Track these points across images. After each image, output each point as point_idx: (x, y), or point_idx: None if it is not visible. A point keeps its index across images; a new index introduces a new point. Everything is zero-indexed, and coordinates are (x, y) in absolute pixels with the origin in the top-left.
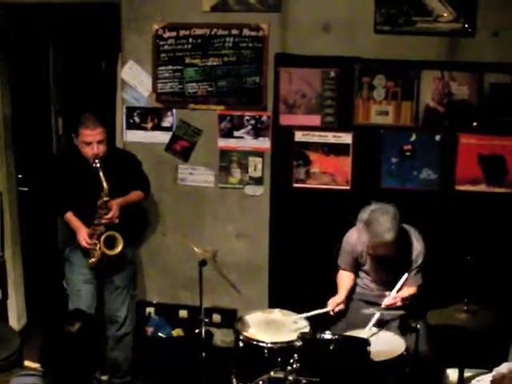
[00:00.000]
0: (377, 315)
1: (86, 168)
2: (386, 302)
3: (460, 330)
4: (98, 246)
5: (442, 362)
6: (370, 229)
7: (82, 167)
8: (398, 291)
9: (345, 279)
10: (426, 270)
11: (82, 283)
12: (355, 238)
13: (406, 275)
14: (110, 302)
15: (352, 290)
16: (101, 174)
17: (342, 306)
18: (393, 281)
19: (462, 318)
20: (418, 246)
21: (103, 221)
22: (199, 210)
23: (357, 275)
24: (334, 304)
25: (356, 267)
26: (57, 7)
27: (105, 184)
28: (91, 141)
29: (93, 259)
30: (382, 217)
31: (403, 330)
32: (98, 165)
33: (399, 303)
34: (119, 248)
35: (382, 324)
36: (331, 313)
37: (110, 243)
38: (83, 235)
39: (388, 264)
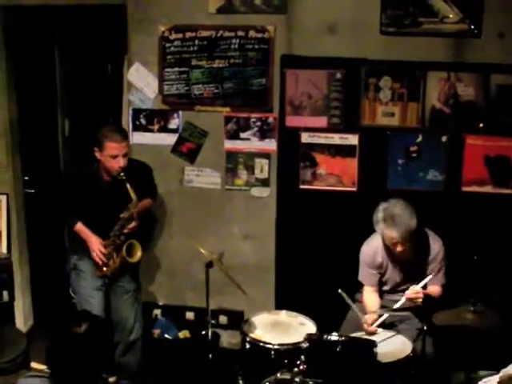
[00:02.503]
0: (385, 316)
1: (100, 183)
2: (407, 294)
3: (467, 331)
4: (115, 255)
5: (448, 363)
6: (393, 222)
7: (96, 182)
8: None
9: (372, 298)
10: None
11: (93, 290)
12: (374, 249)
13: (429, 276)
14: (119, 307)
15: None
16: (128, 186)
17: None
18: (408, 287)
19: (468, 319)
20: (435, 247)
21: (126, 231)
22: (206, 212)
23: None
24: (369, 320)
25: (379, 281)
26: (63, 9)
27: (134, 196)
28: (118, 154)
29: (105, 268)
30: (396, 208)
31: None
32: (124, 177)
33: (420, 299)
34: (139, 254)
35: (388, 325)
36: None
37: (128, 251)
38: (98, 246)
39: (407, 269)
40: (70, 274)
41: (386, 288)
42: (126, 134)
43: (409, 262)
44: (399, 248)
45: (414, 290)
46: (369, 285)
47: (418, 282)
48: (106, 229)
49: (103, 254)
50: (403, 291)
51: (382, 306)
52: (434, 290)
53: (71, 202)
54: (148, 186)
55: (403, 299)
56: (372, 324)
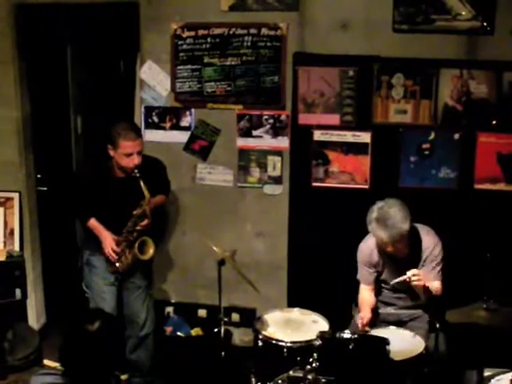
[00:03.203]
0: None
1: (113, 179)
2: (409, 273)
3: (479, 329)
4: (128, 252)
5: (461, 361)
6: (384, 224)
7: (109, 178)
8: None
9: (367, 297)
10: (446, 268)
11: (106, 286)
12: (371, 247)
13: (433, 264)
14: (131, 303)
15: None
16: (142, 183)
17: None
18: (410, 286)
19: (481, 317)
20: (429, 241)
21: (138, 227)
22: (218, 210)
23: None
24: (364, 320)
25: (376, 279)
26: (75, 7)
27: (147, 193)
28: (132, 152)
29: (117, 264)
30: (391, 209)
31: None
32: (138, 174)
33: (421, 282)
34: (151, 252)
35: (401, 323)
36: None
37: (141, 248)
38: (110, 243)
39: (404, 267)
40: (82, 269)
41: (386, 286)
42: (139, 131)
43: (405, 260)
44: (389, 249)
45: (415, 272)
46: (365, 283)
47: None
48: (119, 225)
49: (115, 251)
50: (406, 290)
51: (385, 303)
52: (434, 285)
53: (84, 199)
54: (161, 182)
55: (402, 277)
56: (366, 323)
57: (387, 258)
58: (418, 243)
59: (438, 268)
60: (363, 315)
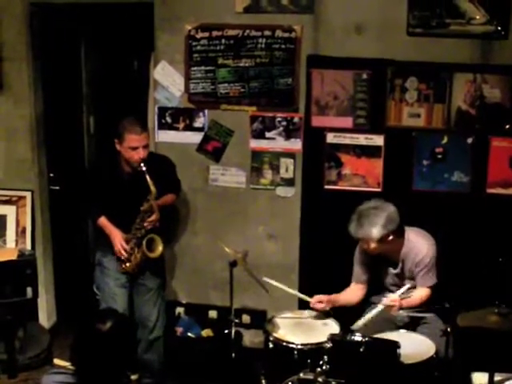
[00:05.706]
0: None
1: (121, 175)
2: (384, 301)
3: (491, 333)
4: (137, 250)
5: (471, 366)
6: (358, 220)
7: (118, 174)
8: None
9: (349, 290)
10: (458, 272)
11: (118, 287)
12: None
13: (407, 285)
14: (141, 305)
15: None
16: (147, 177)
17: (324, 306)
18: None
19: (493, 321)
20: (422, 248)
21: (146, 224)
22: (230, 211)
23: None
24: (316, 299)
25: (367, 279)
26: (90, 6)
27: (152, 187)
28: (137, 146)
29: (127, 264)
30: (373, 211)
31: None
32: (144, 168)
33: (397, 307)
34: (160, 249)
35: (411, 327)
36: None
37: (149, 246)
38: (120, 241)
39: (398, 271)
40: (94, 269)
41: (384, 291)
42: (145, 125)
43: (399, 264)
44: (365, 246)
45: (391, 298)
46: (355, 282)
47: (404, 286)
48: (129, 223)
49: (125, 248)
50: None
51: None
52: (421, 292)
53: (95, 197)
54: (171, 181)
55: (380, 307)
56: (318, 303)
57: (382, 261)
58: (412, 247)
59: (430, 274)
60: (319, 297)
